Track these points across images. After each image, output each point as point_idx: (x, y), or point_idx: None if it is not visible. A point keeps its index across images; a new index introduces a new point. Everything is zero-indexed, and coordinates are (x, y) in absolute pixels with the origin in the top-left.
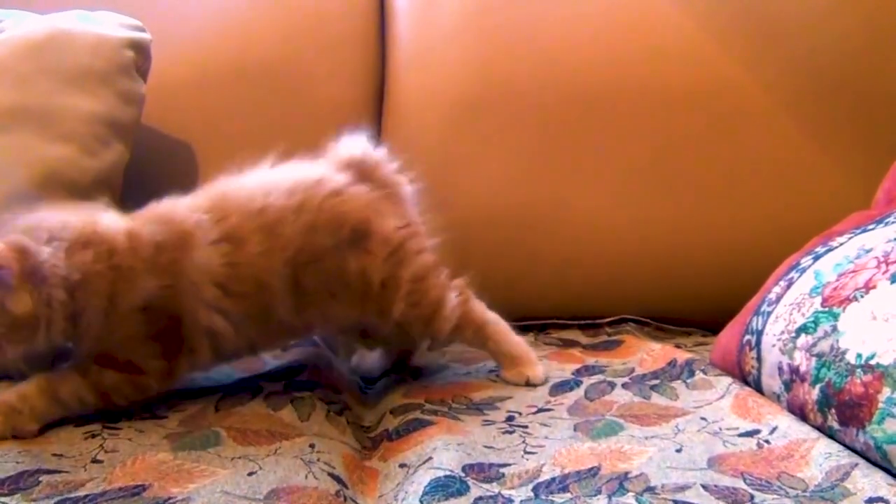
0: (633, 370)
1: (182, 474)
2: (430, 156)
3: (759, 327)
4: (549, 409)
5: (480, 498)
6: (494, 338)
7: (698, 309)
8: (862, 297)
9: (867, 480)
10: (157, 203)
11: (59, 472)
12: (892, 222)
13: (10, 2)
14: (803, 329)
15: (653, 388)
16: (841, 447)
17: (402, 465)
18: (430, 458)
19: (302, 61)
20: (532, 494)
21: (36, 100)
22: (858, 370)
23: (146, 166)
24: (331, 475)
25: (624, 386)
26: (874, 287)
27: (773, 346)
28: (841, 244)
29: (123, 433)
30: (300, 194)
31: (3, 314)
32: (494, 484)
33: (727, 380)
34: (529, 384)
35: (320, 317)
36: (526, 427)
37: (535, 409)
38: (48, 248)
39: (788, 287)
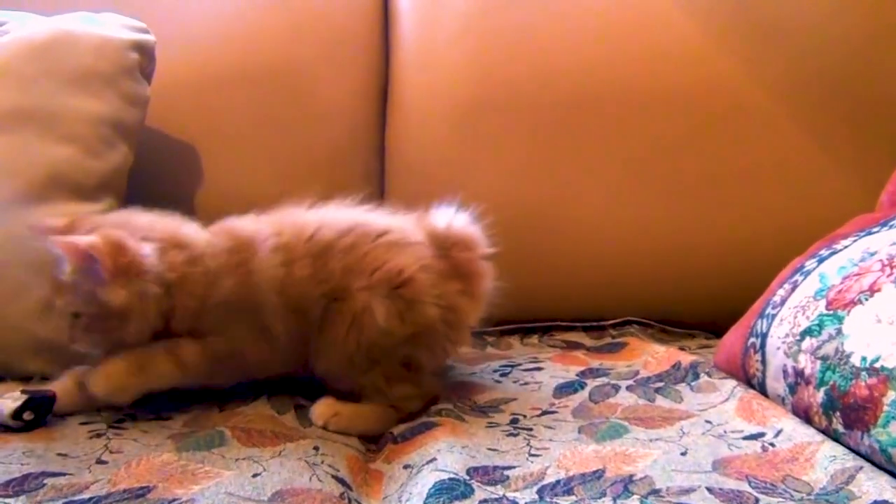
0: (637, 373)
1: (186, 475)
2: (433, 156)
3: (764, 330)
4: (553, 412)
5: (485, 500)
6: None
7: (702, 311)
8: (866, 300)
9: (872, 483)
10: (219, 221)
11: (64, 474)
12: None
13: (14, 3)
14: (808, 332)
15: (657, 390)
16: (846, 450)
17: (406, 467)
18: (435, 459)
19: (305, 63)
20: (537, 497)
21: (40, 101)
22: (863, 373)
23: (150, 168)
24: (335, 477)
25: (628, 388)
26: (879, 290)
27: (778, 348)
28: (845, 247)
29: (128, 433)
30: (352, 236)
31: (95, 304)
32: (499, 486)
33: (732, 382)
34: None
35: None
36: (530, 429)
37: (539, 412)
38: (148, 245)
39: (793, 290)
